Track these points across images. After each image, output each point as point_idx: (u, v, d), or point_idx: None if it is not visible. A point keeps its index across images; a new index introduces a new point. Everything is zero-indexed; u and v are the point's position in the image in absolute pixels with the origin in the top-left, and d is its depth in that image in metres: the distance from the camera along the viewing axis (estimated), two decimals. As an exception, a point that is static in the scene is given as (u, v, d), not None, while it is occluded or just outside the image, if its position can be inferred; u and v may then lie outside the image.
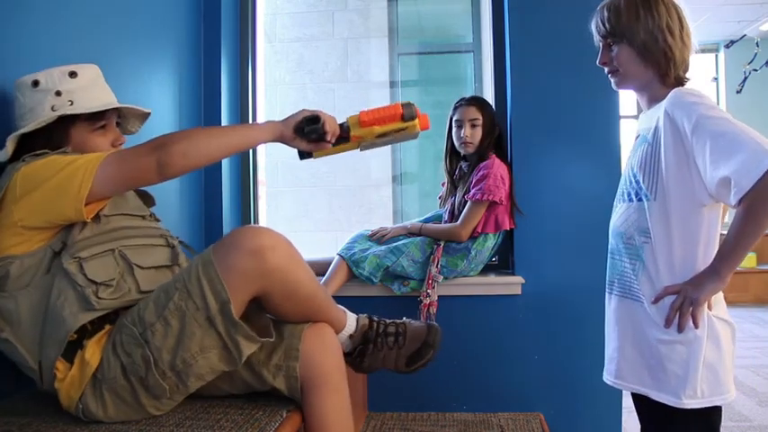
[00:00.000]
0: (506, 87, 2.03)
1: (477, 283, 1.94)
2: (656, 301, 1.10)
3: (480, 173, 1.89)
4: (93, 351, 1.02)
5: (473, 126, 1.94)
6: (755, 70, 5.58)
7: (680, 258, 1.10)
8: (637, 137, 1.21)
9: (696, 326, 1.06)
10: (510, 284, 1.94)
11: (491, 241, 1.92)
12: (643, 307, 1.13)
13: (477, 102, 1.97)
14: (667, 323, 1.09)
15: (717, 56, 6.27)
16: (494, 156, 1.93)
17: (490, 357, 1.96)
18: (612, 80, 1.21)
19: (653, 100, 1.17)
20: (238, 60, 2.24)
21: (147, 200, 1.30)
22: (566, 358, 1.92)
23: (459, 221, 1.91)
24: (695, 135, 1.02)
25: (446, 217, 2.02)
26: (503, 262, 2.07)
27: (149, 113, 1.30)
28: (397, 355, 1.23)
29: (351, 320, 1.22)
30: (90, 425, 1.02)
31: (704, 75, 6.28)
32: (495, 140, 1.96)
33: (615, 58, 1.16)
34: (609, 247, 1.26)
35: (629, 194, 1.17)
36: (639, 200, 1.13)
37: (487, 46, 2.22)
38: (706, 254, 1.09)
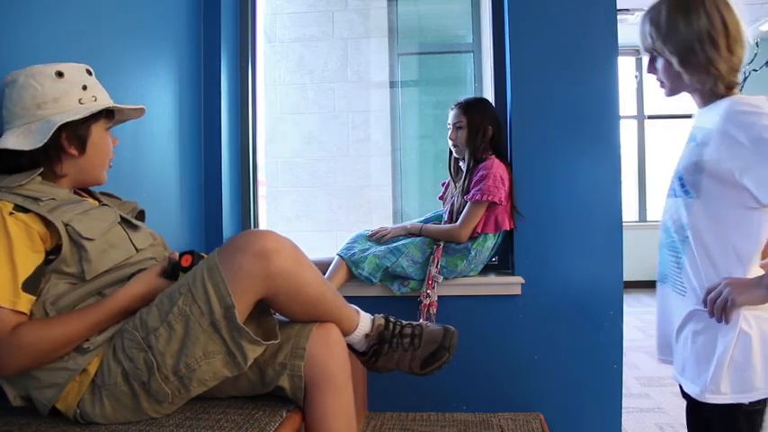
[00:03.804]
0: (506, 87, 2.03)
1: (477, 284, 1.94)
2: (708, 294, 1.07)
3: (480, 173, 1.89)
4: (90, 358, 1.02)
5: (458, 129, 1.97)
6: (755, 70, 5.56)
7: (719, 255, 1.08)
8: (690, 134, 1.18)
9: (727, 322, 1.04)
10: (510, 284, 1.94)
11: (491, 241, 1.93)
12: (685, 299, 1.13)
13: (463, 105, 1.98)
14: (709, 313, 1.07)
15: (717, 56, 6.26)
16: (493, 156, 1.93)
17: (490, 357, 1.96)
18: (663, 90, 1.19)
19: (706, 100, 1.13)
20: (238, 60, 2.24)
21: (138, 216, 1.30)
22: (566, 358, 1.92)
23: (458, 222, 1.91)
24: (753, 146, 0.99)
25: (446, 217, 2.02)
26: (503, 262, 2.07)
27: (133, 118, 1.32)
28: (411, 357, 1.23)
29: (364, 320, 1.22)
30: (89, 425, 1.02)
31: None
32: (494, 141, 1.97)
33: (659, 72, 1.15)
34: (659, 240, 1.24)
35: (673, 191, 1.16)
36: (682, 196, 1.13)
37: (487, 46, 2.22)
38: (746, 253, 1.07)
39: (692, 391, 1.10)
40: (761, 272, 1.07)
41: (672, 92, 1.17)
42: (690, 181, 1.10)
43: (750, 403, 1.05)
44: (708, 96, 1.12)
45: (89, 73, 1.16)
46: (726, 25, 1.06)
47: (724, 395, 1.05)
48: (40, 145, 1.04)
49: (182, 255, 1.11)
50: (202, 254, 1.12)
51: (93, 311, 1.01)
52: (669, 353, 1.22)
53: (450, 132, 2.00)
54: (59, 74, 1.09)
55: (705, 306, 1.07)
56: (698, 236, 1.09)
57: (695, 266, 1.10)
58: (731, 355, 1.05)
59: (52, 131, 1.04)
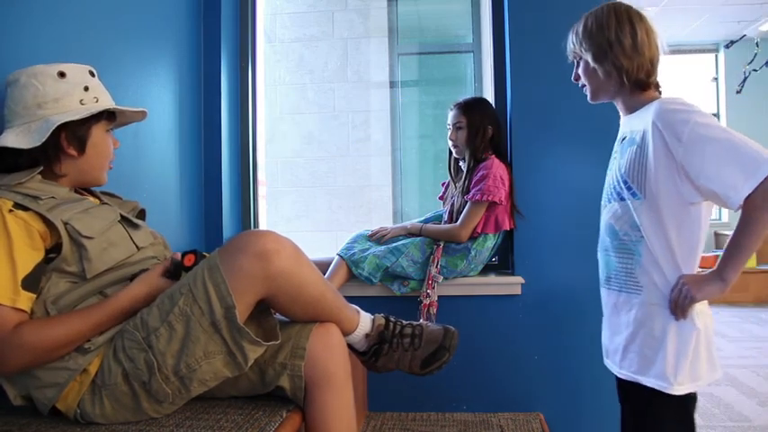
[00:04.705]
0: (506, 87, 2.03)
1: (477, 284, 1.94)
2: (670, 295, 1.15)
3: (480, 173, 1.89)
4: (91, 358, 1.02)
5: (457, 129, 1.97)
6: (755, 70, 5.58)
7: (673, 250, 1.15)
8: (622, 139, 1.27)
9: (685, 317, 1.14)
10: (510, 284, 1.94)
11: (491, 241, 1.93)
12: (639, 298, 1.20)
13: (462, 105, 1.98)
14: (671, 310, 1.15)
15: (717, 56, 6.27)
16: (493, 156, 1.93)
17: (490, 357, 1.96)
18: (586, 94, 1.32)
19: (629, 107, 1.26)
20: (238, 60, 2.24)
21: (139, 215, 1.30)
22: (566, 358, 1.92)
23: (458, 222, 1.91)
24: (689, 144, 1.07)
25: (446, 217, 2.02)
26: (503, 262, 2.07)
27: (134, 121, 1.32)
28: (412, 357, 1.23)
29: (365, 320, 1.22)
30: (89, 425, 1.02)
31: (704, 75, 6.28)
32: (494, 141, 1.97)
33: (582, 74, 1.30)
34: (602, 244, 1.32)
35: (618, 194, 1.23)
36: (629, 199, 1.20)
37: (487, 46, 2.22)
38: (695, 244, 1.15)
39: (658, 385, 1.15)
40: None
41: (593, 94, 1.30)
42: (637, 182, 1.17)
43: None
44: (630, 102, 1.25)
45: (92, 74, 1.16)
46: (635, 30, 1.21)
47: (682, 386, 1.13)
48: (39, 144, 1.03)
49: (184, 254, 1.11)
50: (205, 253, 1.12)
51: (95, 311, 1.01)
52: (620, 362, 1.25)
53: (449, 133, 2.00)
54: (61, 74, 1.09)
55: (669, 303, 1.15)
56: (651, 234, 1.16)
57: (653, 263, 1.17)
58: (691, 347, 1.14)
59: (50, 131, 1.04)
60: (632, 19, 1.22)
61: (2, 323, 0.93)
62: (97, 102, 1.14)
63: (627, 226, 1.21)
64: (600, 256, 1.33)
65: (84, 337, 1.00)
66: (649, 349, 1.17)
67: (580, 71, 1.29)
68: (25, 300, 0.96)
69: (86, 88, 1.12)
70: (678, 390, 1.13)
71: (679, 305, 1.12)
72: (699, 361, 1.14)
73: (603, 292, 1.33)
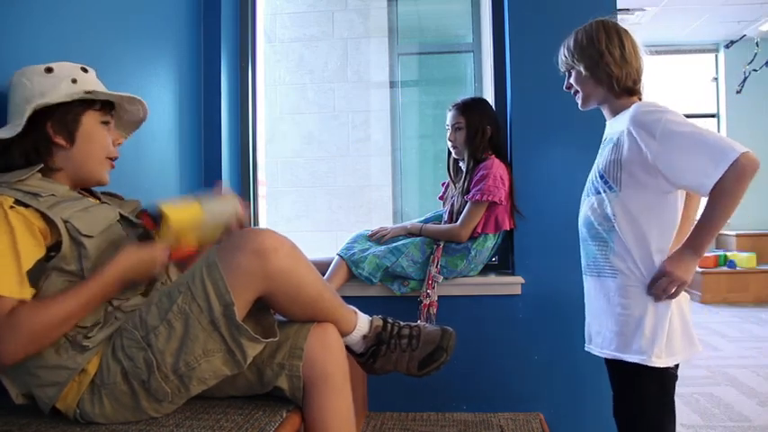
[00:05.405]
0: (506, 87, 2.03)
1: (477, 283, 1.94)
2: (652, 283, 1.25)
3: (480, 173, 1.89)
4: (90, 357, 1.02)
5: (456, 130, 1.97)
6: (755, 70, 5.58)
7: (644, 235, 1.26)
8: (604, 140, 1.40)
9: (675, 298, 1.25)
10: (510, 284, 1.94)
11: (491, 241, 1.93)
12: (615, 282, 1.30)
13: (461, 106, 1.98)
14: (657, 299, 1.25)
15: (717, 56, 6.26)
16: (493, 156, 1.93)
17: (490, 357, 1.96)
18: (577, 101, 1.43)
19: (614, 111, 1.37)
20: (238, 60, 2.24)
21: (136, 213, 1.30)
22: (566, 358, 1.92)
23: (458, 222, 1.91)
24: (662, 140, 1.19)
25: (446, 217, 2.02)
26: (503, 262, 2.07)
27: (141, 121, 1.31)
28: (409, 358, 1.22)
29: (362, 321, 1.22)
30: (89, 425, 1.02)
31: (704, 75, 6.28)
32: (493, 141, 1.96)
33: (574, 82, 1.40)
34: (580, 235, 1.42)
35: (595, 189, 1.35)
36: (605, 191, 1.31)
37: (487, 46, 2.22)
38: (670, 227, 1.26)
39: (638, 359, 1.25)
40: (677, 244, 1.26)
41: (584, 101, 1.41)
42: (612, 177, 1.29)
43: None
44: (615, 107, 1.36)
45: (84, 71, 1.15)
46: (622, 42, 1.33)
47: (660, 359, 1.24)
48: (20, 129, 1.03)
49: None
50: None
51: (85, 287, 0.99)
52: (601, 342, 1.35)
53: (448, 134, 2.00)
54: (48, 69, 1.10)
55: (648, 288, 1.25)
56: (624, 222, 1.28)
57: (624, 249, 1.28)
58: (667, 322, 1.24)
59: (27, 114, 1.03)
60: (620, 33, 1.34)
61: (1, 312, 0.92)
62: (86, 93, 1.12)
63: (600, 217, 1.32)
64: (581, 246, 1.43)
65: (79, 315, 0.99)
66: (628, 327, 1.28)
67: (572, 80, 1.41)
68: (28, 293, 0.96)
69: (74, 80, 1.11)
70: (657, 362, 1.23)
71: (669, 291, 1.22)
72: (674, 336, 1.26)
73: (584, 279, 1.43)
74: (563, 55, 1.42)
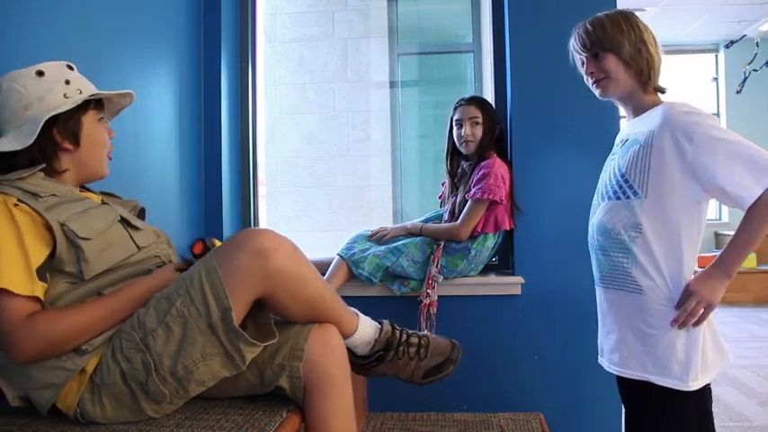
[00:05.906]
0: (506, 87, 2.03)
1: (477, 283, 1.94)
2: (679, 305, 1.16)
3: (481, 172, 1.89)
4: (88, 359, 1.01)
5: (474, 124, 1.95)
6: (755, 70, 5.58)
7: (678, 248, 1.18)
8: (624, 141, 1.29)
9: (701, 323, 1.15)
10: (510, 284, 1.94)
11: (491, 241, 1.92)
12: (641, 298, 1.20)
13: (477, 101, 1.98)
14: (676, 322, 1.16)
15: (717, 56, 6.27)
16: (495, 155, 1.93)
17: (490, 357, 1.96)
18: (598, 90, 1.30)
19: (638, 109, 1.28)
20: (238, 60, 2.24)
21: (139, 214, 1.30)
22: (566, 358, 1.92)
23: (459, 220, 1.91)
24: (701, 144, 1.11)
25: (446, 217, 2.02)
26: (503, 262, 2.07)
27: (124, 108, 1.31)
28: (415, 367, 1.23)
29: (364, 323, 1.21)
30: (90, 425, 1.02)
31: (704, 75, 6.28)
32: (496, 140, 1.97)
33: (603, 67, 1.26)
34: (593, 243, 1.33)
35: (614, 193, 1.25)
36: (628, 198, 1.21)
37: (487, 46, 2.22)
38: (697, 241, 1.19)
39: (673, 384, 1.16)
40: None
41: (611, 89, 1.27)
42: (638, 181, 1.20)
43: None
44: (639, 103, 1.27)
45: (70, 68, 1.15)
46: (653, 36, 1.25)
47: (696, 381, 1.15)
48: (31, 142, 1.03)
49: (192, 245, 1.13)
50: (214, 239, 1.13)
51: (108, 301, 1.01)
52: (627, 363, 1.25)
53: (464, 128, 1.95)
54: (40, 73, 1.09)
55: (679, 314, 1.15)
56: (652, 233, 1.18)
57: (651, 263, 1.18)
58: (700, 342, 1.16)
59: (39, 127, 1.04)
60: (647, 26, 1.26)
61: (16, 313, 0.93)
62: (81, 93, 1.13)
63: (621, 225, 1.22)
64: (592, 254, 1.35)
65: (98, 328, 1.00)
66: (657, 349, 1.18)
67: (605, 64, 1.25)
68: (40, 290, 0.96)
69: (68, 81, 1.12)
70: (694, 386, 1.15)
71: (696, 313, 1.14)
72: (707, 352, 1.17)
73: (599, 290, 1.34)
74: (590, 35, 1.26)
